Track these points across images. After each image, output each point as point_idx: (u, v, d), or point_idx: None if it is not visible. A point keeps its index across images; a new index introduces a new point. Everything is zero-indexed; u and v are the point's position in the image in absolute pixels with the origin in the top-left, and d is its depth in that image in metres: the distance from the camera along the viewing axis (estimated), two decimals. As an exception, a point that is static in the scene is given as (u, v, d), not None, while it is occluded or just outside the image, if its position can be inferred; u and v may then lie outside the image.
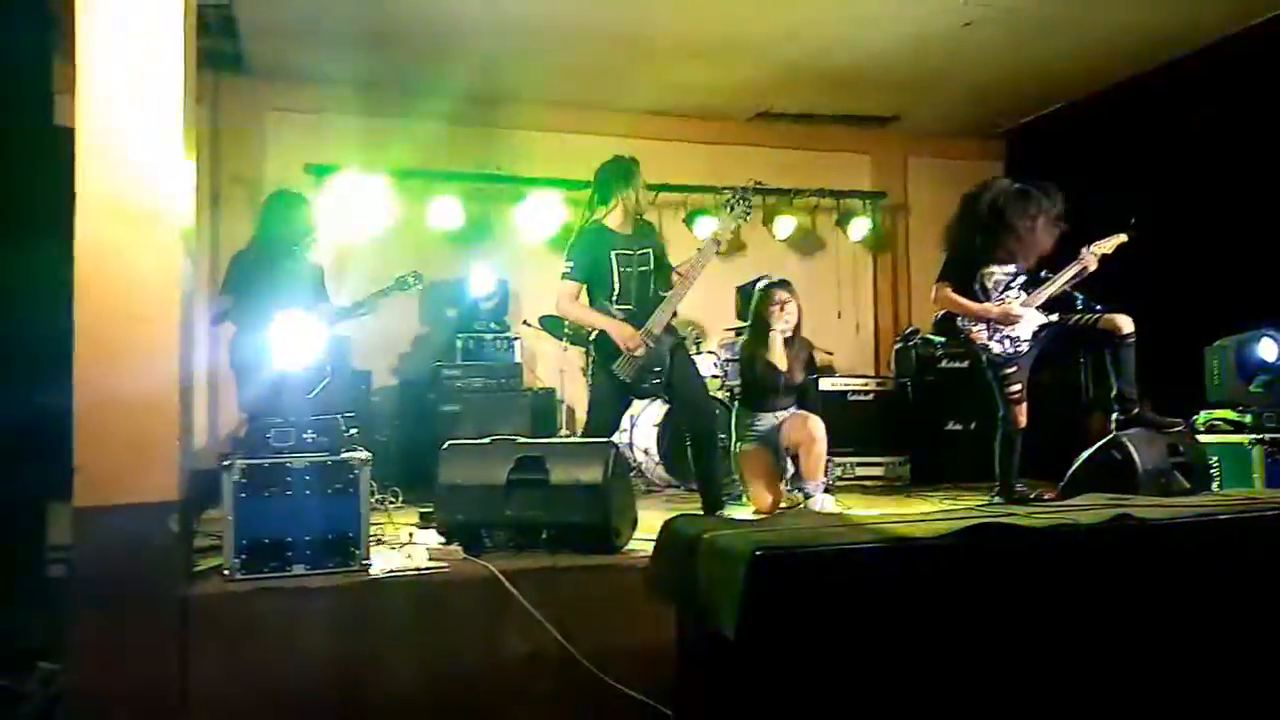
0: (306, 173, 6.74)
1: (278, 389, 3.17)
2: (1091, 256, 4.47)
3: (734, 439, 4.90)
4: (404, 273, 4.78)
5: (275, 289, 4.23)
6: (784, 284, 4.94)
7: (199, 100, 3.80)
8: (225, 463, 3.07)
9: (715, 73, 6.87)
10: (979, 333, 4.48)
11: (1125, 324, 4.31)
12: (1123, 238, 4.55)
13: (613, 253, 4.22)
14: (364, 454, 3.20)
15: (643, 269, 4.27)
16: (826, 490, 4.73)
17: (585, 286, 4.26)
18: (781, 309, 4.79)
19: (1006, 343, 4.43)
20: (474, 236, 7.13)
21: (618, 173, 4.31)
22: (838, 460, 6.22)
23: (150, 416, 2.98)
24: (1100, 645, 2.36)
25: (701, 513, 4.23)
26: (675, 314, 4.28)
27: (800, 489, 4.72)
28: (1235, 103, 5.85)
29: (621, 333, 4.14)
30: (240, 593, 2.98)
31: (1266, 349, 4.62)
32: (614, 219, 4.28)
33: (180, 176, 3.09)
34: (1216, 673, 2.43)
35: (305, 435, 3.15)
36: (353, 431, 3.36)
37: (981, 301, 4.49)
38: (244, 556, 3.02)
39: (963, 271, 4.53)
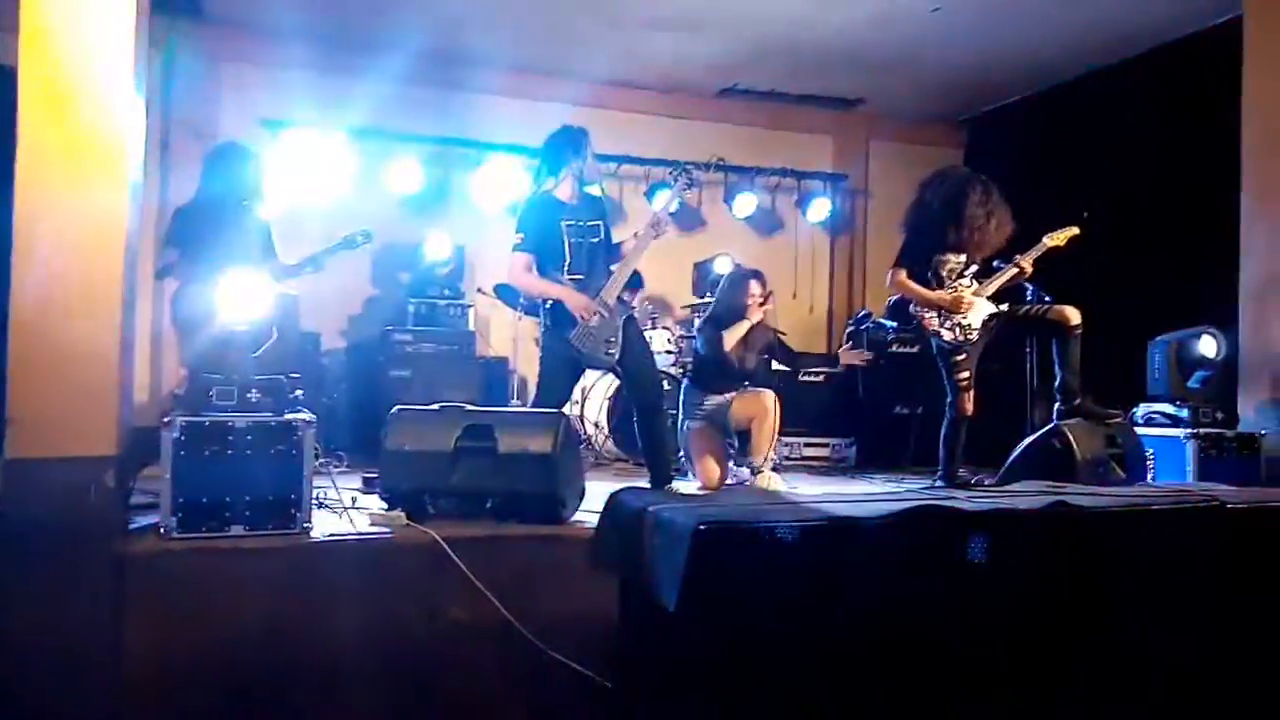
0: (261, 126, 6.59)
1: (222, 346, 3.11)
2: (1026, 261, 4.53)
3: (682, 415, 4.93)
4: (353, 232, 4.69)
5: (221, 244, 4.12)
6: (759, 275, 4.98)
7: (152, 45, 3.68)
8: (165, 420, 3.00)
9: (682, 46, 6.83)
10: (930, 319, 4.53)
11: (1074, 316, 4.39)
12: (1075, 230, 4.62)
13: (563, 223, 4.19)
14: (308, 415, 3.16)
15: (593, 240, 4.25)
16: (775, 469, 4.78)
17: (536, 257, 4.22)
18: (760, 304, 4.84)
19: (957, 330, 4.49)
20: (431, 201, 7.03)
21: (567, 142, 4.27)
22: (786, 440, 6.26)
23: (89, 369, 2.92)
24: (1030, 625, 2.42)
25: (649, 486, 4.25)
26: (637, 286, 4.28)
27: (748, 465, 4.76)
28: (1185, 103, 5.96)
29: (577, 302, 4.12)
30: (176, 551, 2.94)
31: (1206, 346, 4.74)
32: (563, 190, 4.24)
33: (128, 123, 3.01)
34: (1142, 653, 2.50)
35: (249, 394, 3.10)
36: (298, 392, 3.31)
37: (935, 288, 4.53)
38: (181, 515, 2.98)
39: (918, 257, 4.57)
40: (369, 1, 6.19)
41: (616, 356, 4.21)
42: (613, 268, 4.25)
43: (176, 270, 4.44)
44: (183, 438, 2.99)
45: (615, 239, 4.40)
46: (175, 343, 4.65)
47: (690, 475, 4.88)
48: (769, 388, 4.87)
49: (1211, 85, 5.42)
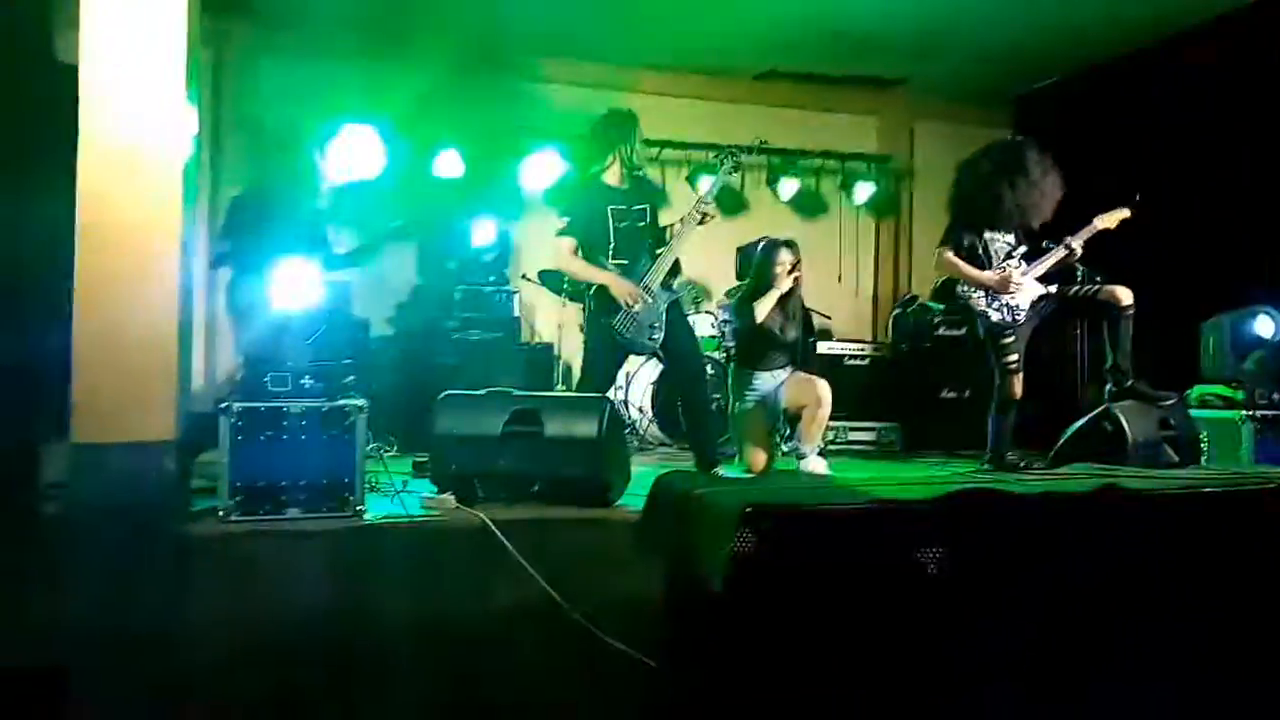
0: (309, 117, 6.68)
1: (276, 334, 3.18)
2: (1076, 242, 4.45)
3: (732, 399, 4.92)
4: (404, 221, 4.77)
5: (274, 234, 4.21)
6: (790, 244, 4.91)
7: (204, 42, 3.76)
8: (222, 405, 3.09)
9: (722, 29, 6.78)
10: (978, 299, 4.48)
11: (1125, 296, 4.32)
12: (1126, 212, 4.53)
13: (610, 208, 4.20)
14: (360, 401, 3.22)
15: (640, 224, 4.26)
16: (820, 454, 4.76)
17: (581, 242, 4.25)
18: (788, 270, 4.78)
19: (1005, 311, 4.44)
20: (476, 187, 7.08)
21: (614, 126, 4.28)
22: (831, 424, 6.24)
23: (148, 356, 3.00)
24: (1082, 610, 2.40)
25: (694, 470, 4.27)
26: (676, 272, 4.29)
27: (795, 451, 4.75)
28: (1242, 77, 5.80)
29: (622, 288, 4.13)
30: (235, 534, 3.01)
31: (1262, 326, 4.64)
32: (611, 174, 4.26)
33: (182, 119, 3.08)
34: (1196, 638, 2.47)
35: (302, 380, 3.17)
36: (350, 378, 3.38)
37: (983, 268, 4.48)
38: (239, 499, 3.06)
39: (966, 237, 4.52)
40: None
41: (660, 341, 4.23)
42: (658, 251, 4.26)
43: (231, 260, 4.54)
44: (239, 423, 3.07)
45: (661, 223, 4.41)
46: (230, 331, 4.76)
47: (737, 459, 4.89)
48: (815, 373, 4.84)
49: (1269, 60, 5.27)
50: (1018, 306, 4.44)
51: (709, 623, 2.33)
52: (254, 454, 3.08)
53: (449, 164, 6.90)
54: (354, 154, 6.62)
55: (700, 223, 4.28)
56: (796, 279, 4.81)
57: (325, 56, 6.80)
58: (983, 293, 4.47)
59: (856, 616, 2.21)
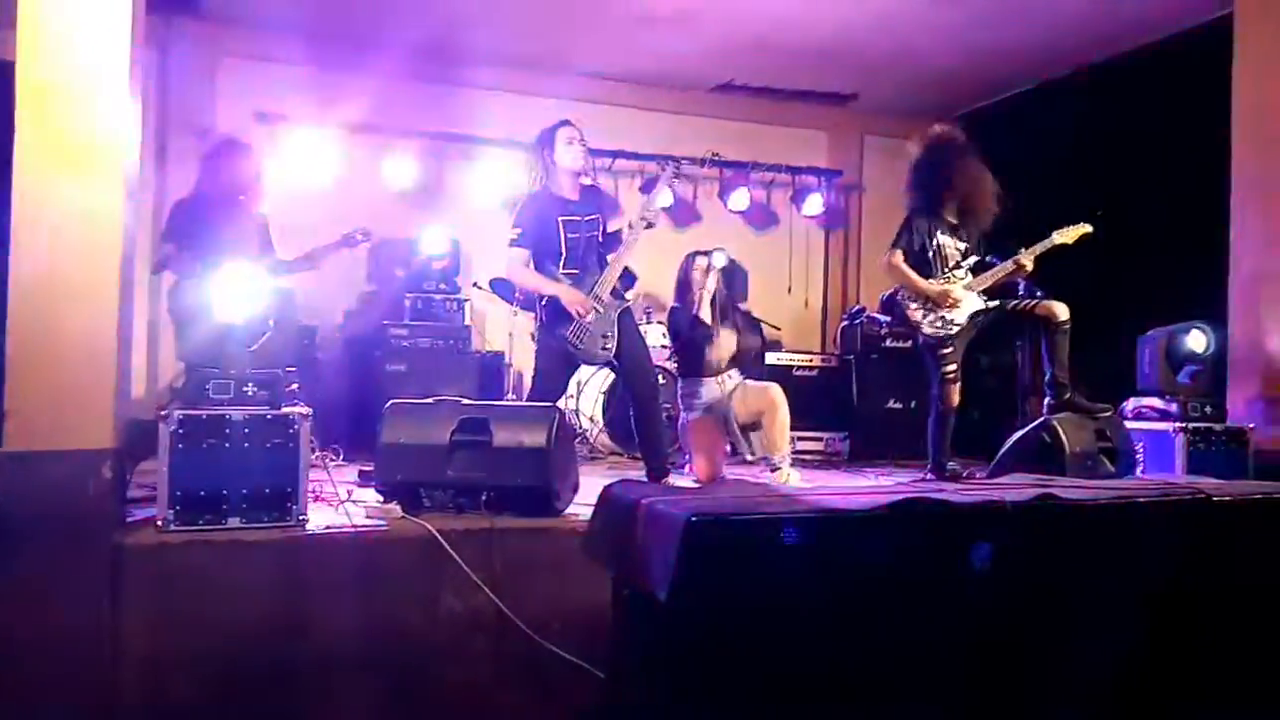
0: (258, 122, 6.60)
1: (218, 340, 3.13)
2: (1028, 258, 4.54)
3: (681, 408, 4.95)
4: (352, 229, 4.73)
5: (218, 238, 4.15)
6: (708, 253, 4.99)
7: (148, 42, 3.69)
8: (162, 413, 3.03)
9: (677, 42, 6.84)
10: (914, 310, 4.56)
11: (1061, 311, 4.42)
12: (1086, 229, 4.62)
13: (560, 218, 4.21)
14: (305, 409, 3.18)
15: (589, 234, 4.27)
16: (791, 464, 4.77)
17: (532, 252, 4.25)
18: (704, 272, 4.87)
19: (939, 324, 4.52)
20: (427, 196, 7.06)
21: (540, 136, 4.30)
22: (781, 433, 6.31)
23: (86, 362, 2.94)
24: (1019, 616, 2.45)
25: (642, 479, 4.27)
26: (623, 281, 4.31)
27: (766, 462, 4.76)
28: (1177, 99, 5.98)
29: (573, 298, 4.14)
30: (174, 544, 2.96)
31: (1195, 341, 4.76)
32: (560, 184, 4.26)
33: (124, 119, 3.03)
34: (1128, 642, 2.54)
35: (245, 388, 3.13)
36: (295, 386, 3.33)
37: (932, 272, 4.56)
38: (178, 508, 3.00)
39: (917, 238, 4.60)
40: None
41: (613, 352, 4.24)
42: (609, 257, 4.28)
43: (173, 264, 4.46)
44: (180, 430, 3.01)
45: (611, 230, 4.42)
46: (172, 336, 4.68)
47: (686, 469, 4.91)
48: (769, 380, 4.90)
49: (1204, 82, 5.44)
50: (952, 320, 4.52)
51: (655, 632, 2.34)
52: (194, 462, 3.02)
53: (400, 170, 6.86)
54: (303, 159, 6.56)
55: (648, 227, 4.31)
56: (719, 285, 4.88)
57: (275, 60, 6.73)
58: (919, 304, 4.55)
59: (800, 625, 2.23)
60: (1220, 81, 5.20)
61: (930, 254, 4.58)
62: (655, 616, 2.25)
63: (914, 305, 4.56)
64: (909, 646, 2.32)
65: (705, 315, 4.79)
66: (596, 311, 4.16)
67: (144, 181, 4.19)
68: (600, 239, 4.31)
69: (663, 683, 2.31)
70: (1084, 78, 6.93)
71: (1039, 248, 4.58)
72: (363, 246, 4.95)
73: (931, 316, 4.52)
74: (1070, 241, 4.61)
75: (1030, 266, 4.56)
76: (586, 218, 4.26)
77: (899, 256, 4.59)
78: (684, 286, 4.96)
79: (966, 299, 4.53)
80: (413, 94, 6.99)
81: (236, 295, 3.11)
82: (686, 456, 4.91)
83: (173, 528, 2.99)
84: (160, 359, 6.16)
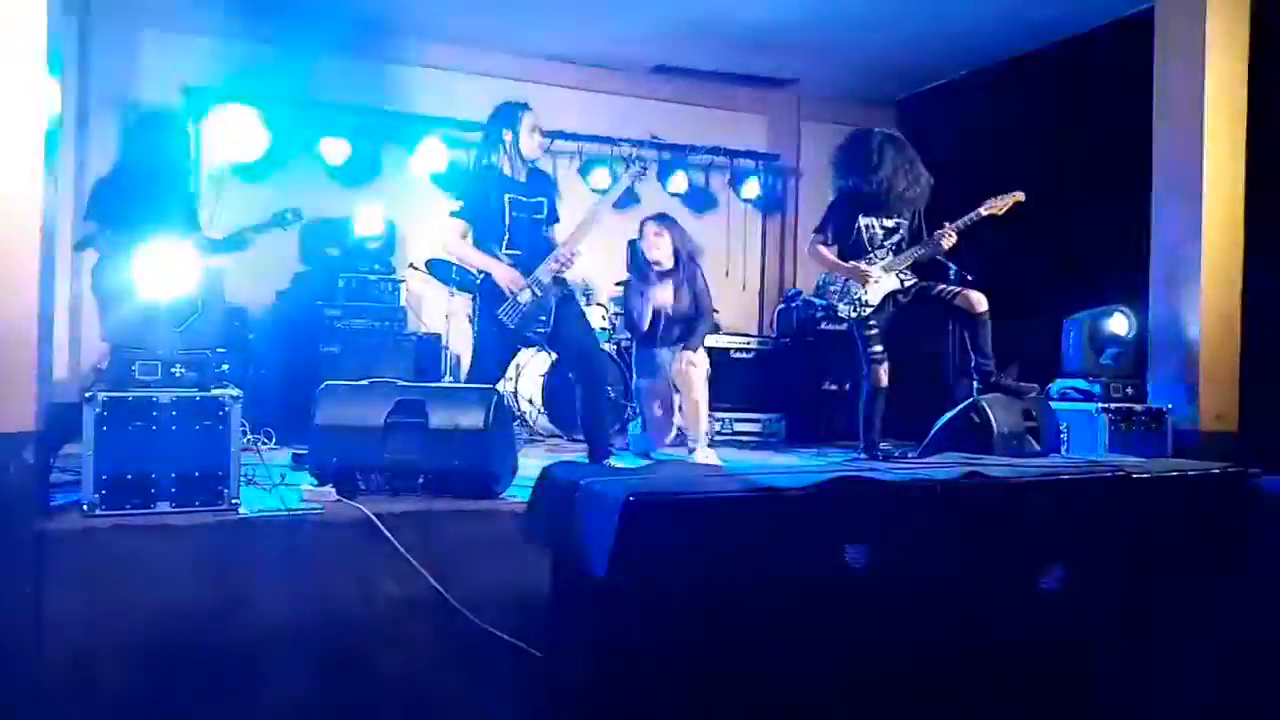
0: (184, 96, 6.42)
1: (144, 320, 3.05)
2: (949, 236, 4.60)
3: (635, 376, 5.11)
4: (282, 209, 4.62)
5: (142, 216, 4.02)
6: (660, 216, 5.07)
7: (66, 12, 3.56)
8: (87, 395, 2.94)
9: (617, 23, 6.82)
10: (832, 294, 4.67)
11: (979, 303, 4.53)
12: (1019, 196, 4.69)
13: (506, 196, 4.18)
14: (235, 391, 3.12)
15: (535, 216, 4.24)
16: (710, 444, 4.87)
17: (472, 227, 4.21)
18: (654, 239, 4.94)
19: (853, 306, 4.61)
20: (361, 174, 6.93)
21: (502, 114, 4.27)
22: (717, 415, 6.37)
23: (5, 344, 2.85)
24: (947, 587, 2.52)
25: (581, 460, 4.28)
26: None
27: (685, 444, 4.86)
28: (1103, 89, 6.15)
29: (506, 276, 4.11)
30: (99, 529, 2.88)
31: (1117, 324, 4.93)
32: (512, 166, 4.23)
33: (42, 90, 2.92)
34: (1046, 615, 2.63)
35: (173, 369, 3.05)
36: (224, 367, 3.27)
37: (859, 254, 4.64)
38: (104, 492, 2.92)
39: (839, 222, 4.69)
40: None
41: (546, 335, 4.23)
42: (555, 242, 4.26)
43: (96, 243, 4.32)
44: (105, 413, 2.93)
45: (558, 216, 4.41)
46: (95, 316, 4.54)
47: (642, 428, 4.99)
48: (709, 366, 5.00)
49: (1128, 72, 5.60)
50: (865, 301, 4.60)
51: (594, 612, 2.35)
52: (121, 445, 2.94)
53: (333, 148, 6.73)
54: (233, 135, 6.40)
55: (595, 223, 4.33)
56: (672, 248, 4.96)
57: (202, 32, 6.54)
58: (839, 284, 4.64)
59: (738, 603, 2.27)
60: (1143, 73, 5.36)
61: (854, 237, 4.67)
62: (594, 596, 2.27)
63: (832, 288, 4.67)
64: (838, 621, 2.37)
65: (660, 294, 4.86)
66: (534, 293, 4.14)
67: (63, 157, 4.05)
68: (545, 222, 4.29)
69: (601, 662, 2.33)
70: (1016, 67, 7.08)
71: (962, 221, 4.64)
72: (294, 226, 4.84)
73: (847, 297, 4.61)
74: (1000, 212, 4.67)
75: (953, 238, 4.61)
76: (532, 199, 4.24)
77: (820, 243, 4.72)
78: (633, 254, 5.03)
79: (883, 279, 4.61)
80: (348, 69, 6.86)
81: (162, 274, 3.03)
82: (644, 420, 5.02)
83: (99, 512, 2.91)
84: (84, 339, 5.97)
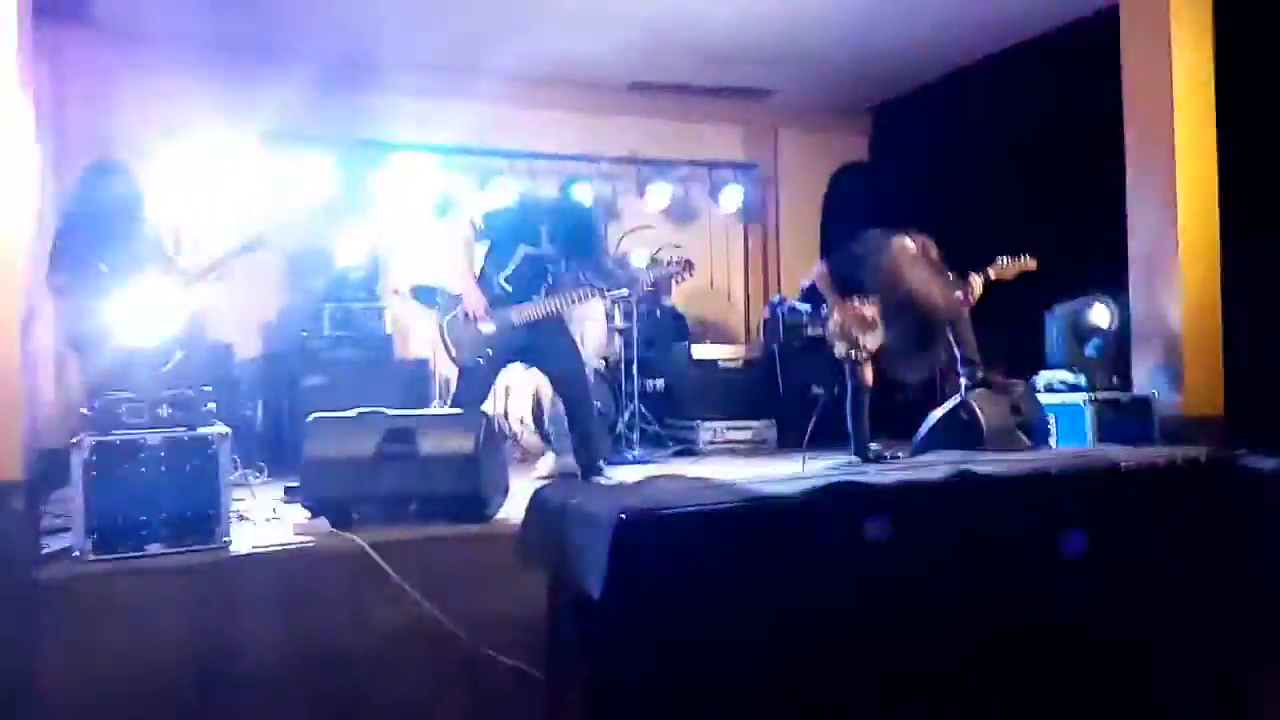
0: (162, 135, 6.41)
1: (126, 365, 3.04)
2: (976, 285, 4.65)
3: None
4: (249, 236, 4.56)
5: (112, 263, 3.95)
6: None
7: (38, 56, 3.55)
8: (74, 440, 2.94)
9: (591, 41, 6.84)
10: (834, 329, 4.72)
11: (956, 298, 4.56)
12: (1030, 264, 4.77)
13: (526, 251, 4.25)
14: (223, 428, 3.11)
15: (549, 265, 4.30)
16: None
17: (489, 248, 4.29)
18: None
19: (852, 352, 4.68)
20: (342, 204, 6.93)
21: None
22: (708, 425, 6.40)
23: (-11, 393, 2.84)
24: (945, 590, 2.52)
25: (575, 478, 4.29)
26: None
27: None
28: (1076, 85, 6.18)
29: (473, 299, 4.18)
30: (93, 574, 2.87)
31: (1099, 315, 4.96)
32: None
33: (20, 137, 2.92)
34: (1042, 611, 2.63)
35: (160, 410, 3.05)
36: (212, 405, 3.26)
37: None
38: (96, 536, 2.92)
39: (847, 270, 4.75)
40: (269, 7, 6.07)
41: (482, 364, 4.26)
42: (553, 291, 4.31)
43: (68, 292, 4.25)
44: (93, 458, 2.93)
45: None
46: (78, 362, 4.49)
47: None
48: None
49: (1100, 66, 5.64)
50: (864, 346, 4.68)
51: (589, 629, 2.35)
52: (110, 489, 2.95)
53: (314, 179, 6.73)
54: (211, 171, 6.39)
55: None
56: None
57: (177, 72, 6.53)
58: (839, 324, 4.73)
59: (735, 615, 2.27)
60: (1114, 67, 5.41)
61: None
62: (591, 617, 2.27)
63: (834, 325, 4.69)
64: (838, 630, 2.37)
65: None
66: (494, 325, 4.18)
67: (43, 201, 4.03)
68: (560, 273, 4.36)
69: (601, 683, 2.32)
70: (988, 67, 7.12)
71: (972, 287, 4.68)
72: (273, 257, 4.80)
73: (848, 339, 4.64)
74: (1009, 277, 4.74)
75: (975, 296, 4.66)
76: (553, 261, 4.31)
77: (827, 270, 4.76)
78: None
79: (880, 328, 4.66)
80: (325, 101, 6.86)
81: (141, 318, 3.03)
82: None
83: (91, 557, 2.90)
84: (72, 386, 5.94)
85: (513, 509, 3.51)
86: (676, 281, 4.69)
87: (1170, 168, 5.10)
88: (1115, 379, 4.95)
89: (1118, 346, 5.10)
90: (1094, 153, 5.76)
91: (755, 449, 6.48)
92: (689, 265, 4.69)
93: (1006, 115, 6.75)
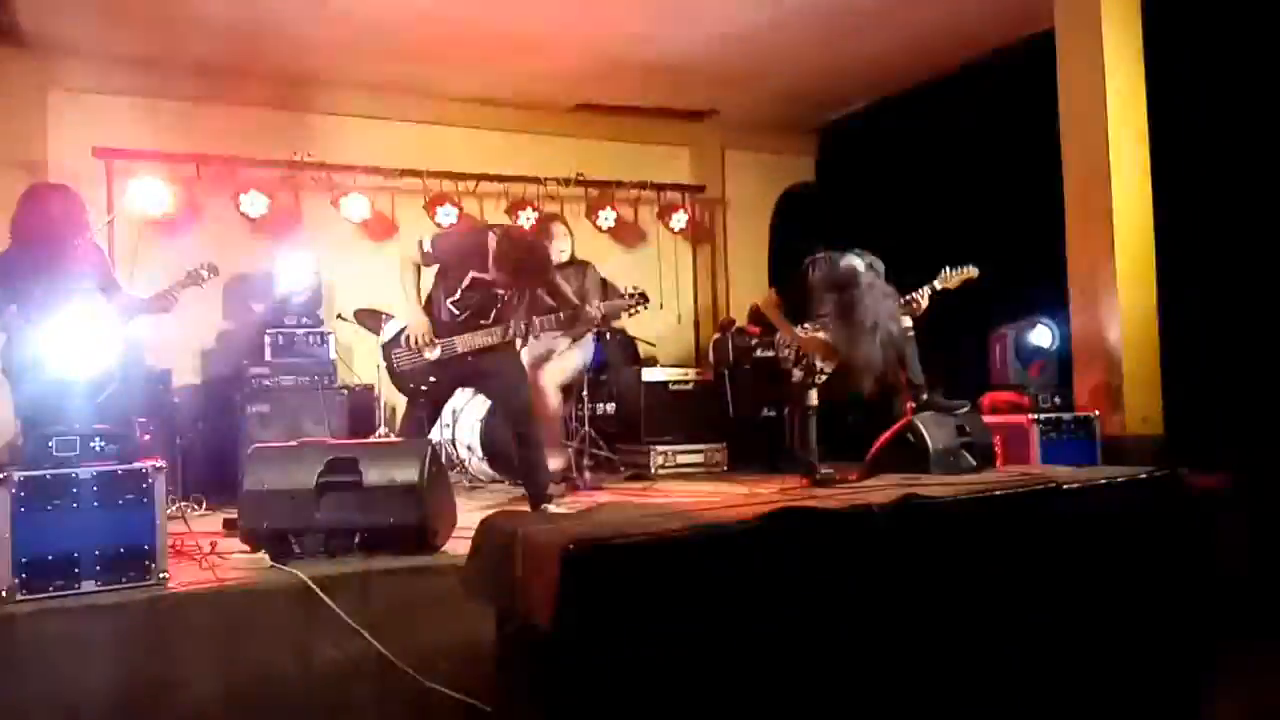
0: (96, 156, 6.27)
1: (58, 395, 2.94)
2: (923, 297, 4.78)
3: None
4: (197, 265, 4.46)
5: (48, 290, 3.82)
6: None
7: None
8: (1, 475, 2.83)
9: (535, 63, 6.84)
10: (786, 354, 4.77)
11: (903, 322, 4.62)
12: (973, 272, 4.88)
13: (474, 274, 4.17)
14: (159, 461, 3.02)
15: (498, 305, 4.22)
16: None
17: (438, 268, 4.24)
18: None
19: (806, 374, 4.74)
20: (283, 226, 6.82)
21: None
22: (660, 448, 6.38)
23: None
24: (892, 616, 2.53)
25: (523, 509, 4.24)
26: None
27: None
28: (1014, 107, 6.32)
29: (415, 324, 4.16)
30: (21, 614, 2.76)
31: (1040, 336, 5.05)
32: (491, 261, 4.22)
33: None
34: (991, 631, 2.65)
35: (92, 443, 2.95)
36: (146, 437, 3.17)
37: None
38: (24, 575, 2.81)
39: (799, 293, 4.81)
40: (206, 27, 5.97)
41: (424, 394, 4.23)
42: (493, 330, 4.24)
43: (3, 321, 4.11)
44: (21, 493, 2.82)
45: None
46: (7, 393, 4.34)
47: None
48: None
49: (1039, 90, 5.76)
50: (819, 368, 4.74)
51: (538, 661, 2.31)
52: (40, 525, 2.84)
53: (254, 201, 6.61)
54: (147, 193, 6.26)
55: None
56: None
57: (112, 92, 6.41)
58: (792, 351, 4.81)
59: (684, 645, 2.25)
60: (1050, 90, 5.53)
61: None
62: (539, 649, 2.23)
63: (785, 349, 4.73)
64: (791, 654, 2.36)
65: None
66: (437, 352, 4.14)
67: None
68: (500, 309, 4.25)
69: (552, 712, 2.29)
70: (929, 89, 7.25)
71: (920, 294, 4.83)
72: (213, 282, 4.69)
73: (802, 362, 4.70)
74: (954, 287, 4.89)
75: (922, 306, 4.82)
76: (504, 292, 4.23)
77: (776, 297, 4.84)
78: None
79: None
80: (265, 121, 6.79)
81: (75, 348, 2.94)
82: None
83: (20, 597, 2.79)
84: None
85: (460, 540, 3.45)
86: (629, 314, 4.63)
87: (1106, 187, 5.21)
88: (1057, 399, 5.04)
89: (1059, 366, 5.19)
90: (1036, 174, 5.87)
91: (707, 472, 6.48)
92: (643, 298, 4.62)
93: (950, 136, 6.88)
